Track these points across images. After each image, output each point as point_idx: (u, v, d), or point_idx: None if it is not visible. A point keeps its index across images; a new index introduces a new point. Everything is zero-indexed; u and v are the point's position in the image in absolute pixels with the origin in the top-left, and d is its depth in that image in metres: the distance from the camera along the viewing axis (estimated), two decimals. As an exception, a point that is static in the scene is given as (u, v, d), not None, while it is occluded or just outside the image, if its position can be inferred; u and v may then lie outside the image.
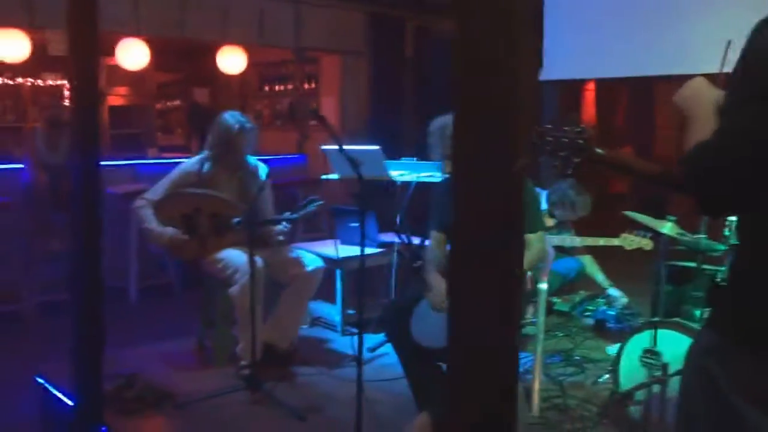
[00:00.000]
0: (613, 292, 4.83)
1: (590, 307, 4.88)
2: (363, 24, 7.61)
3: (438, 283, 3.20)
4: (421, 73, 7.98)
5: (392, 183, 4.25)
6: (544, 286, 3.53)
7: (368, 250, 4.59)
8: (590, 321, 4.85)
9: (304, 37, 7.27)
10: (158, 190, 4.01)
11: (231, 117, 4.03)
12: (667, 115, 8.87)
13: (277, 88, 8.66)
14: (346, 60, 7.69)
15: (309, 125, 7.70)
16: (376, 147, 4.10)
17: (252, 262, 3.51)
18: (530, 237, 3.25)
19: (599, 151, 2.10)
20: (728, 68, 1.47)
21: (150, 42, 6.63)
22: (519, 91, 1.38)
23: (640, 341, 3.11)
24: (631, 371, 3.15)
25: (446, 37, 8.15)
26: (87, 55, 3.13)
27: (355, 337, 4.54)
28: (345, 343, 4.47)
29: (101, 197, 3.24)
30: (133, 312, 5.37)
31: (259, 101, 8.69)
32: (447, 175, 3.32)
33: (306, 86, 7.95)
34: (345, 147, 4.36)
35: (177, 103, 9.06)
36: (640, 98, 9.79)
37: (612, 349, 4.24)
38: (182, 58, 8.22)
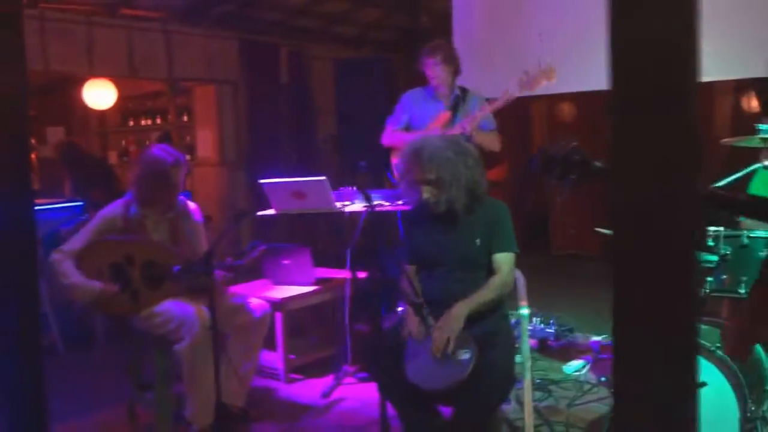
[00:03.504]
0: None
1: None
2: (236, 52, 7.28)
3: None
4: (298, 98, 7.77)
5: (340, 214, 4.01)
6: (525, 311, 3.43)
7: (306, 289, 4.32)
8: (532, 341, 4.78)
9: (176, 68, 6.84)
10: (78, 240, 3.51)
11: (161, 150, 3.63)
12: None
13: (143, 122, 8.05)
14: (221, 89, 7.32)
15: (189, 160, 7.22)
16: (322, 177, 3.85)
17: (213, 312, 3.12)
18: (499, 258, 3.09)
19: (597, 164, 2.05)
20: None
21: None
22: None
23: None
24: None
25: (322, 61, 8.03)
26: (15, 92, 2.68)
27: (303, 384, 4.26)
28: (291, 392, 4.14)
29: (36, 253, 2.76)
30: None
31: (123, 137, 8.04)
32: (418, 203, 3.12)
33: (178, 119, 7.46)
34: (289, 180, 4.10)
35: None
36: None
37: (569, 368, 4.23)
38: (32, 94, 7.45)
